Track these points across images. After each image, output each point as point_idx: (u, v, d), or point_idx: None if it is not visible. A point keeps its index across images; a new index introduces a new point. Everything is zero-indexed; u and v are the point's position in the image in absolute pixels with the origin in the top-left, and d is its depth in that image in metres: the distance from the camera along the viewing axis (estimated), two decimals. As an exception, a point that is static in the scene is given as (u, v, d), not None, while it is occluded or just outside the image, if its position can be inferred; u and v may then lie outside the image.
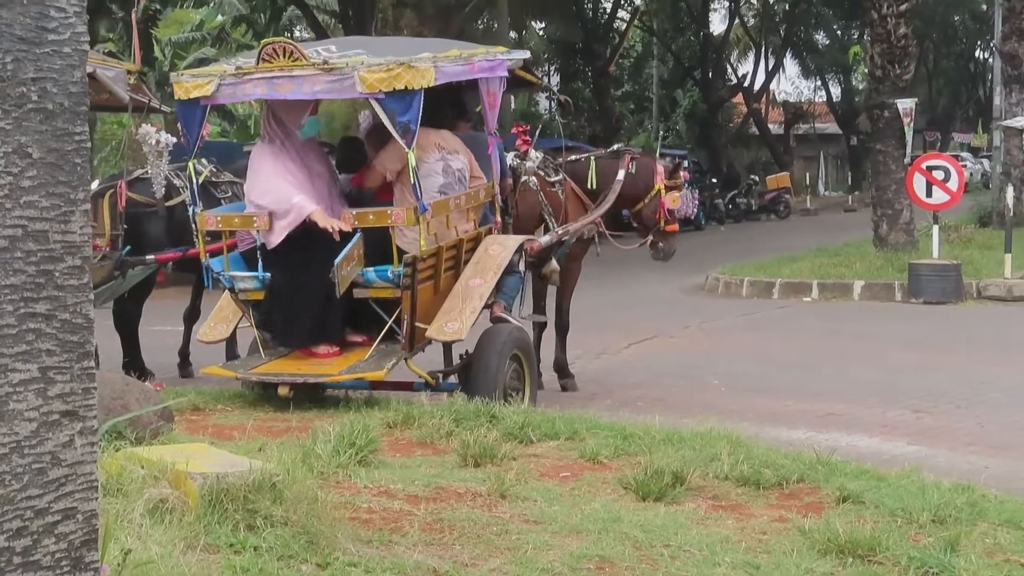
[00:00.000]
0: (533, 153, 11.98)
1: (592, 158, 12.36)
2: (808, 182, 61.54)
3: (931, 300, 19.42)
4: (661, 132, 60.22)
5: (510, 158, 11.62)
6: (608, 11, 53.89)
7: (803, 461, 7.54)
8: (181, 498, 5.08)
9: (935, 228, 20.51)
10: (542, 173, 11.86)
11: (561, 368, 12.10)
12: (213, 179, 12.39)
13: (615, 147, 12.83)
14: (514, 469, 7.04)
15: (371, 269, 9.15)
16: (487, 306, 9.99)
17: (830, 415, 10.80)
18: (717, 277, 22.50)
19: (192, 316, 13.07)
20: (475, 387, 9.36)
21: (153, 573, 4.31)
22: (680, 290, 22.23)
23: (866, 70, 30.52)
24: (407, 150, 8.80)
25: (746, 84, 60.95)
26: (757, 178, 50.95)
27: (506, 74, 10.09)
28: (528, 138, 12.16)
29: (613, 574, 5.35)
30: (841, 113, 64.82)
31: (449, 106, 10.16)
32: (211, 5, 40.85)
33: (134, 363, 12.11)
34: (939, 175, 20.02)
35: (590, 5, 53.14)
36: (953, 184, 20.03)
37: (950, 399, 11.54)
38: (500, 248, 9.96)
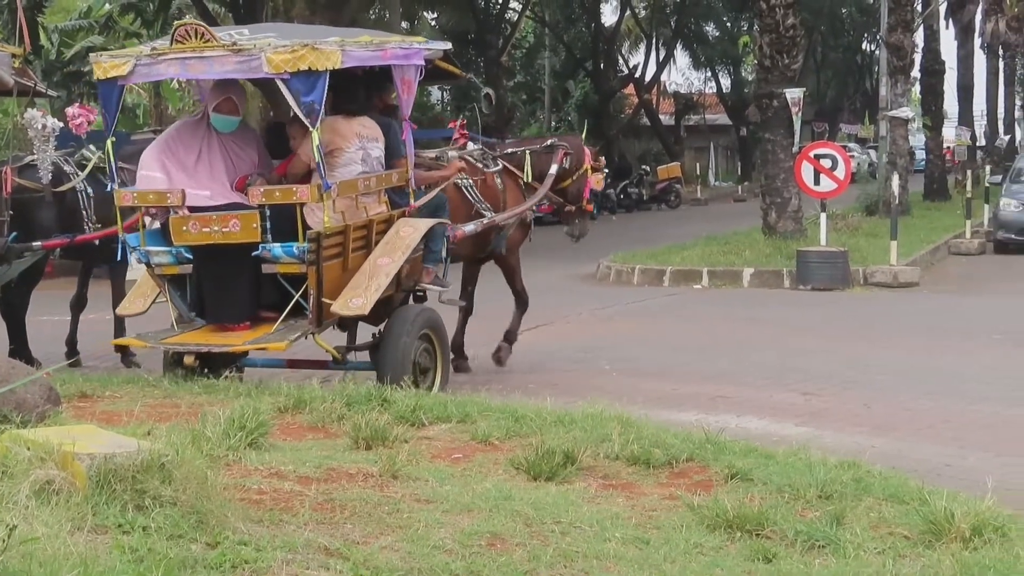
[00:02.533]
0: (471, 146, 12.35)
1: (527, 152, 12.68)
2: (699, 172, 61.93)
3: (819, 286, 19.68)
4: (553, 123, 60.47)
5: (452, 152, 12.03)
6: (500, 2, 53.88)
7: (693, 441, 7.63)
8: (68, 479, 5.01)
9: (823, 216, 20.78)
10: (479, 165, 12.16)
11: (510, 336, 12.67)
12: (100, 165, 12.23)
13: (549, 141, 13.02)
14: (406, 451, 7.03)
15: (278, 245, 9.30)
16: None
17: (720, 397, 10.92)
18: (609, 265, 22.60)
19: (79, 304, 12.91)
20: (384, 365, 9.68)
21: (39, 552, 4.26)
22: (573, 278, 22.30)
23: (755, 61, 30.83)
24: (311, 129, 9.01)
25: (637, 75, 61.20)
26: (648, 168, 51.17)
27: (422, 63, 10.26)
28: (465, 131, 12.63)
29: (504, 550, 5.38)
30: (731, 104, 65.29)
31: (368, 91, 10.39)
32: (98, -8, 40.25)
33: (20, 352, 11.87)
34: (827, 163, 20.29)
35: (482, -5, 53.13)
36: (840, 172, 20.31)
37: (838, 382, 11.72)
38: (411, 230, 10.10)
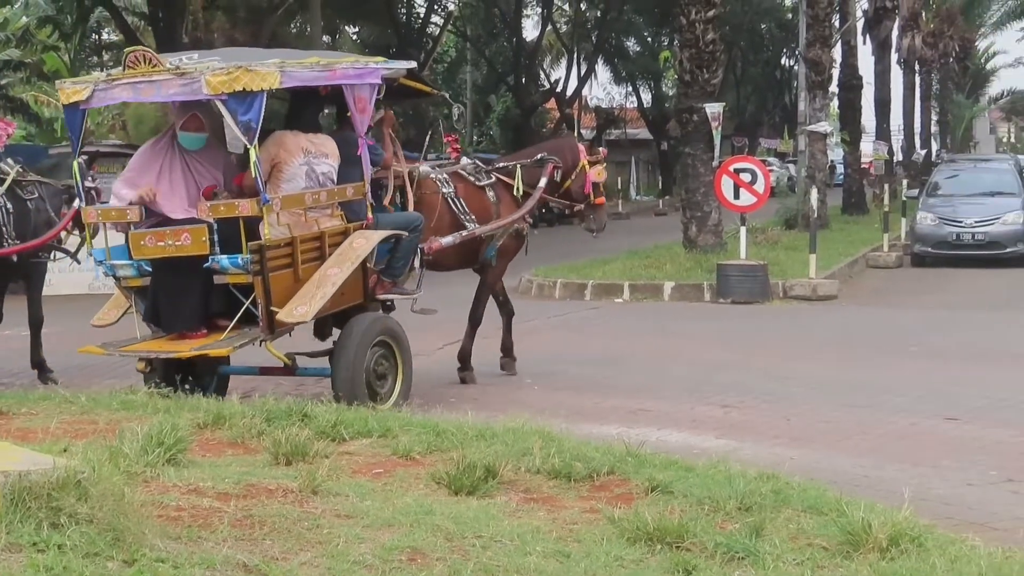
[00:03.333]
0: (465, 160, 13.04)
1: (518, 165, 13.10)
2: (620, 187, 62.24)
3: (739, 300, 19.82)
4: (475, 137, 60.50)
5: (424, 166, 12.47)
6: (422, 16, 53.90)
7: (613, 454, 7.66)
8: (-19, 497, 4.93)
9: (742, 230, 20.93)
10: (471, 177, 12.69)
11: (464, 358, 12.87)
12: (19, 179, 12.13)
13: (540, 156, 13.30)
14: (326, 466, 6.99)
15: (225, 257, 9.75)
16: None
17: (641, 411, 10.96)
18: (530, 279, 22.61)
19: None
20: (336, 373, 10.26)
21: (-49, 572, 4.20)
22: (495, 292, 22.27)
23: (676, 75, 31.00)
24: (249, 146, 9.45)
25: (559, 89, 61.41)
26: (570, 183, 51.34)
27: (378, 81, 10.69)
28: (458, 146, 13.70)
29: (424, 565, 5.37)
30: (652, 118, 65.66)
31: (318, 109, 11.12)
32: (15, 5, 39.86)
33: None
34: (746, 177, 20.43)
35: (403, 10, 53.09)
36: (760, 186, 20.44)
37: (757, 394, 11.80)
38: (364, 241, 10.48)
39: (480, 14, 57.83)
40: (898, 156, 55.78)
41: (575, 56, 62.54)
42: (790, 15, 59.61)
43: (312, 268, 10.14)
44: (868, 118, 49.07)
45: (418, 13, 54.21)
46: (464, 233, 12.21)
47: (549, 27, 60.34)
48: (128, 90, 10.01)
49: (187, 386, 9.99)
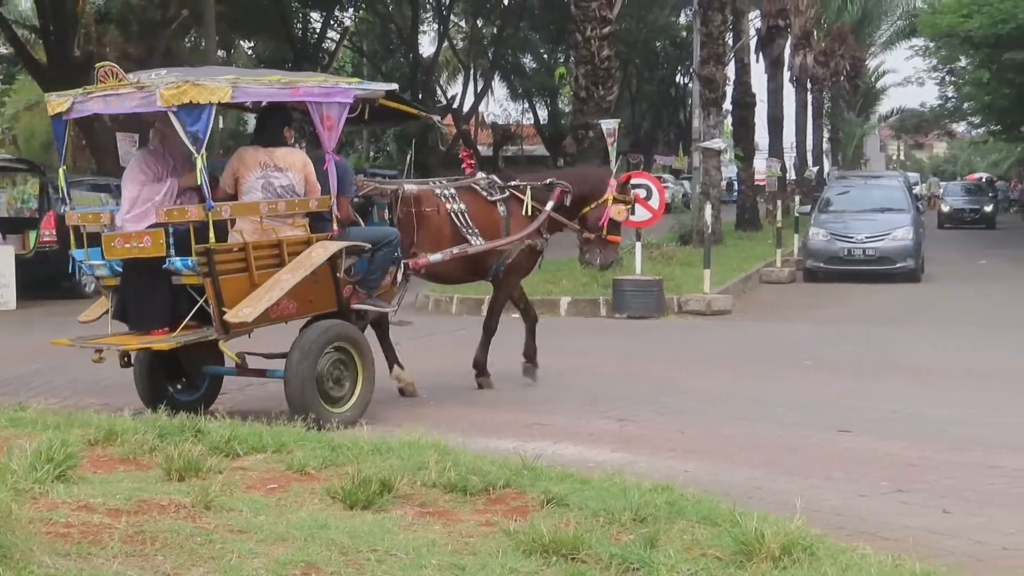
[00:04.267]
0: (480, 175, 13.16)
1: (528, 186, 13.18)
2: (517, 203, 62.44)
3: (635, 315, 19.93)
4: (372, 152, 60.35)
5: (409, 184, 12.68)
6: (318, 31, 53.73)
7: (509, 467, 7.67)
8: None
9: (638, 245, 21.06)
10: (484, 193, 12.89)
11: (480, 366, 13.17)
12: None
13: (548, 180, 13.37)
14: (220, 481, 6.94)
15: (179, 259, 10.36)
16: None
17: (537, 425, 10.96)
18: (427, 295, 22.55)
19: None
20: (286, 375, 10.63)
21: None
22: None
23: (572, 92, 31.15)
24: (196, 155, 10.04)
25: (455, 106, 61.53)
26: (468, 199, 51.43)
27: (349, 100, 11.17)
28: (472, 161, 13.85)
29: (319, 579, 5.33)
30: (548, 135, 65.96)
31: (279, 125, 11.37)
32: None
33: None
34: (642, 193, 20.53)
35: (300, 24, 52.90)
36: (655, 202, 20.57)
37: (652, 408, 11.86)
38: (322, 251, 10.87)
39: (376, 30, 57.84)
40: (791, 173, 56.44)
41: (472, 72, 62.77)
42: (684, 33, 60.23)
43: (268, 274, 10.58)
44: (761, 135, 49.71)
45: (314, 28, 54.10)
46: (455, 250, 12.40)
47: (445, 43, 60.42)
48: (100, 102, 10.67)
49: (179, 386, 11.42)
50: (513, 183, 13.32)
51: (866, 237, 27.61)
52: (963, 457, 9.77)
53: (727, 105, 40.17)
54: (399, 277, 12.08)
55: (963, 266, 32.29)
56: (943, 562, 6.46)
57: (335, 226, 11.09)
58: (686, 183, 54.86)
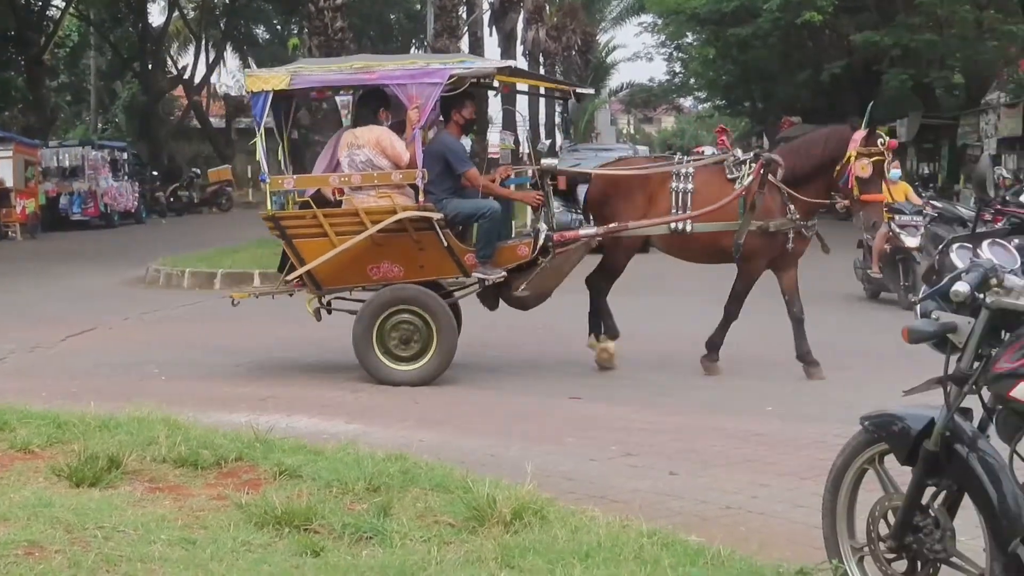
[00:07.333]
0: (737, 152, 12.54)
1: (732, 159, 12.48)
2: (251, 175, 61.65)
3: (370, 287, 19.86)
4: (100, 124, 58.83)
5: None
6: (41, -2, 52.05)
7: (241, 440, 7.61)
8: None
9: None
10: (726, 172, 12.28)
11: (711, 346, 12.37)
12: None
13: (754, 152, 12.81)
14: (-63, 462, 6.70)
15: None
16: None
17: (271, 398, 10.88)
18: (158, 269, 22.17)
19: None
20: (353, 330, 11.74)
21: None
22: (121, 283, 21.81)
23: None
24: (256, 135, 11.98)
25: (187, 76, 60.43)
26: (199, 171, 50.66)
27: (440, 81, 11.70)
28: (724, 139, 13.33)
29: (43, 558, 5.20)
30: (282, 107, 65.26)
31: (375, 106, 12.23)
32: None
33: None
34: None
35: (22, -9, 51.13)
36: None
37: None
38: (381, 220, 11.64)
39: (104, -2, 56.23)
40: (524, 146, 57.00)
41: (203, 42, 61.66)
42: (418, 6, 60.24)
43: (348, 239, 11.65)
44: (495, 109, 50.07)
45: (38, -5, 52.32)
46: (610, 227, 12.24)
47: (176, 12, 59.21)
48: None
49: None
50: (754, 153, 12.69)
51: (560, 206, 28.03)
52: (689, 420, 10.08)
53: (461, 78, 40.33)
54: (538, 247, 12.03)
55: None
56: (669, 522, 6.64)
57: (421, 197, 11.75)
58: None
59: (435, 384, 11.56)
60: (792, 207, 12.08)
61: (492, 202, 12.12)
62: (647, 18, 60.57)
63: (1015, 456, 4.62)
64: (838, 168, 11.96)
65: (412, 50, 69.43)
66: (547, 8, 60.76)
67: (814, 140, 12.59)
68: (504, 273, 11.99)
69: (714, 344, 12.38)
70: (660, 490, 7.71)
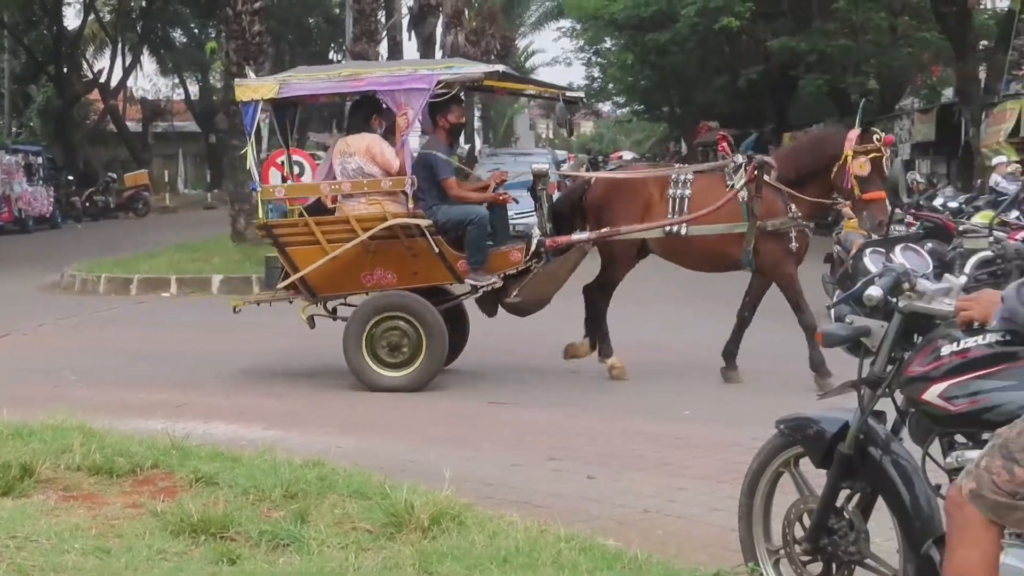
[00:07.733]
0: (738, 158, 12.45)
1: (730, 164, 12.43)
2: (168, 180, 61.25)
3: (289, 292, 19.76)
4: (14, 128, 58.10)
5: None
6: (-47, 0, 51.31)
7: (157, 448, 7.56)
8: None
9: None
10: (726, 178, 12.18)
11: (815, 365, 11.53)
12: None
13: (747, 156, 12.57)
14: None
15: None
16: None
17: (187, 404, 10.81)
18: (73, 274, 21.97)
19: None
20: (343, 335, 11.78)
21: None
22: (35, 288, 21.59)
23: (223, 67, 30.73)
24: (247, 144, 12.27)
25: (103, 80, 59.83)
26: (115, 176, 50.19)
27: (426, 86, 11.75)
28: (725, 145, 13.43)
29: (-49, 570, 5.13)
30: (199, 110, 64.77)
31: (366, 114, 12.35)
32: None
33: None
34: (296, 170, 20.40)
35: (-68, -8, 50.41)
36: (307, 179, 20.44)
37: (307, 385, 11.87)
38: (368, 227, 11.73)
39: (18, 0, 55.51)
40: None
41: (120, 46, 61.05)
42: (337, 10, 59.99)
43: (340, 246, 11.72)
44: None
45: (-51, -4, 51.58)
46: (603, 232, 12.14)
47: (92, 16, 58.62)
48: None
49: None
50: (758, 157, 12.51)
51: (515, 213, 28.08)
52: (608, 425, 10.12)
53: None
54: (529, 253, 11.97)
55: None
56: (588, 526, 6.66)
57: (410, 204, 11.78)
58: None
59: (353, 391, 11.53)
60: (793, 207, 12.08)
61: (480, 208, 12.08)
62: (566, 23, 60.67)
63: (927, 458, 4.67)
64: (835, 169, 11.96)
65: (331, 55, 69.35)
66: (466, 12, 60.74)
67: (813, 140, 13.09)
68: (497, 279, 11.96)
69: (815, 362, 11.66)
70: (580, 494, 7.73)
